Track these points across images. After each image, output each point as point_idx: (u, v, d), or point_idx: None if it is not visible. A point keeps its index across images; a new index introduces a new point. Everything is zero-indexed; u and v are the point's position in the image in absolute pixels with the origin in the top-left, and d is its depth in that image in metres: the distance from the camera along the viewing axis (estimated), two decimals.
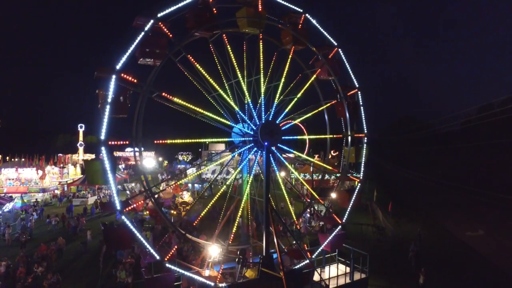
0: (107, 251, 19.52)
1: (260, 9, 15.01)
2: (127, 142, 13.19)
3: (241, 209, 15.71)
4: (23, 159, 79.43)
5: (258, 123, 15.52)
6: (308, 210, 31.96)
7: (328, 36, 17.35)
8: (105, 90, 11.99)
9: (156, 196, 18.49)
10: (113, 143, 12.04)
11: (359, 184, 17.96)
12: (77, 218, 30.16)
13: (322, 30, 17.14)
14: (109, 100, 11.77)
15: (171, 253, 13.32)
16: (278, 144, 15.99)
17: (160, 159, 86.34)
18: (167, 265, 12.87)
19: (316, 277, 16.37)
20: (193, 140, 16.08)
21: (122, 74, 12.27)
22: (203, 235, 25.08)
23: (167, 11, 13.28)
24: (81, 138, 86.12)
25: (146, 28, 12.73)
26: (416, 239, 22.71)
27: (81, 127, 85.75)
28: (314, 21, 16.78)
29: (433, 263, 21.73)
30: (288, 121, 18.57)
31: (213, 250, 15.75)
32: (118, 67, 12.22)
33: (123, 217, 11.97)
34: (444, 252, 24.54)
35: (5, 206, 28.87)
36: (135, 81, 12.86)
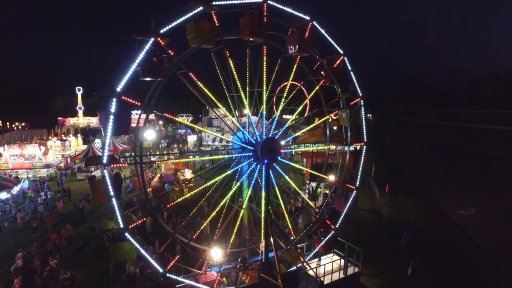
0: None
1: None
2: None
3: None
4: (23, 123, 79.77)
5: (258, 137, 15.64)
6: (306, 188, 33.08)
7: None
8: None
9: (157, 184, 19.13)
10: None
11: (365, 146, 18.31)
12: (84, 199, 31.08)
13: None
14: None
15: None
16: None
17: (161, 122, 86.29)
18: None
19: (311, 273, 17.59)
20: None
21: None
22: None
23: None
24: (79, 101, 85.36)
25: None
26: (409, 228, 23.75)
27: (79, 89, 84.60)
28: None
29: (423, 253, 22.88)
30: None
31: (216, 253, 16.70)
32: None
33: (168, 275, 13.44)
34: (435, 239, 25.64)
35: (13, 188, 29.77)
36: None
